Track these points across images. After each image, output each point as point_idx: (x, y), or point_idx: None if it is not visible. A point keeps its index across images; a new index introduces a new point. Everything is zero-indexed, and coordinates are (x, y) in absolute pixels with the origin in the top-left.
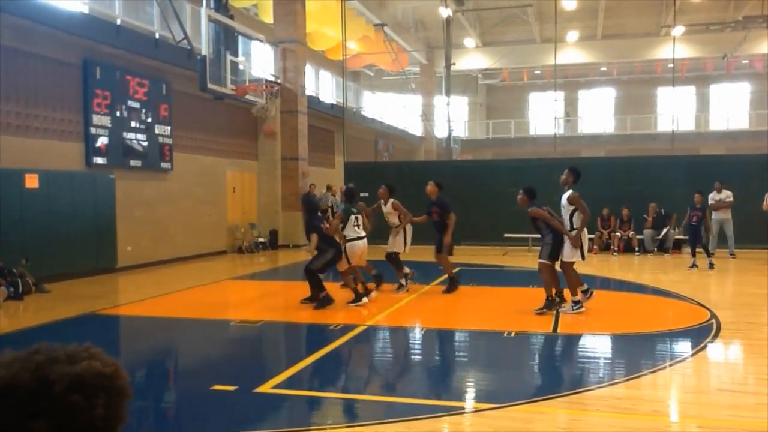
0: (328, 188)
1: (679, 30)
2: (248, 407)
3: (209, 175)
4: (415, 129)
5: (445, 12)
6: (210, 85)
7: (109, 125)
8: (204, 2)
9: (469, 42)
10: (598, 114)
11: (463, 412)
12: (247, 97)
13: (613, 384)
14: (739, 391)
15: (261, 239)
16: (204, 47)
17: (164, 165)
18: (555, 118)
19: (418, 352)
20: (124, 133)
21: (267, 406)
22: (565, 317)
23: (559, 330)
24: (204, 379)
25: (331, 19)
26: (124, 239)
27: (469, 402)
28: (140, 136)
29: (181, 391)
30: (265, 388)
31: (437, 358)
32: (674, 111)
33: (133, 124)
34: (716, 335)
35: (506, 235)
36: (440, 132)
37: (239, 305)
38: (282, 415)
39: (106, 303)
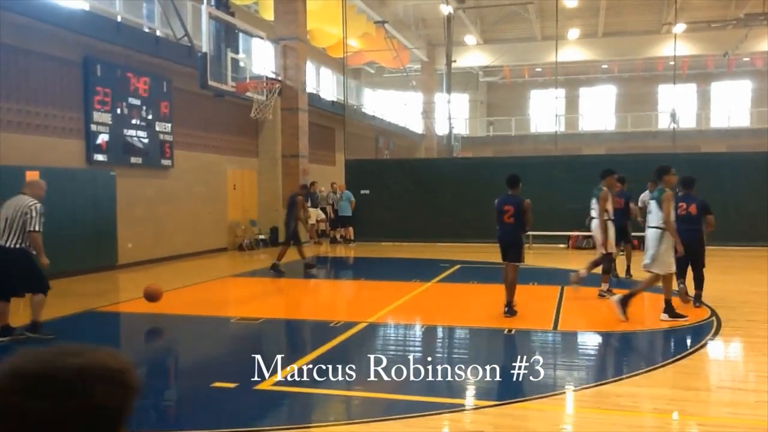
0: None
1: (680, 27)
2: (249, 404)
3: (210, 173)
4: (416, 126)
5: (446, 9)
6: (210, 83)
7: (110, 122)
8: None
9: (470, 39)
10: (600, 111)
11: (463, 409)
12: (248, 94)
13: (613, 381)
14: (739, 389)
15: (261, 236)
16: (204, 44)
17: (165, 162)
18: (556, 115)
19: (419, 349)
20: (125, 131)
21: (267, 403)
22: (569, 315)
23: (559, 327)
24: (204, 377)
25: (332, 16)
26: (125, 236)
27: (469, 399)
28: (141, 134)
29: (182, 388)
30: (266, 385)
31: (437, 355)
32: (675, 108)
33: (133, 121)
34: (716, 333)
35: None
36: (441, 129)
37: (240, 302)
38: (282, 412)
39: (107, 300)
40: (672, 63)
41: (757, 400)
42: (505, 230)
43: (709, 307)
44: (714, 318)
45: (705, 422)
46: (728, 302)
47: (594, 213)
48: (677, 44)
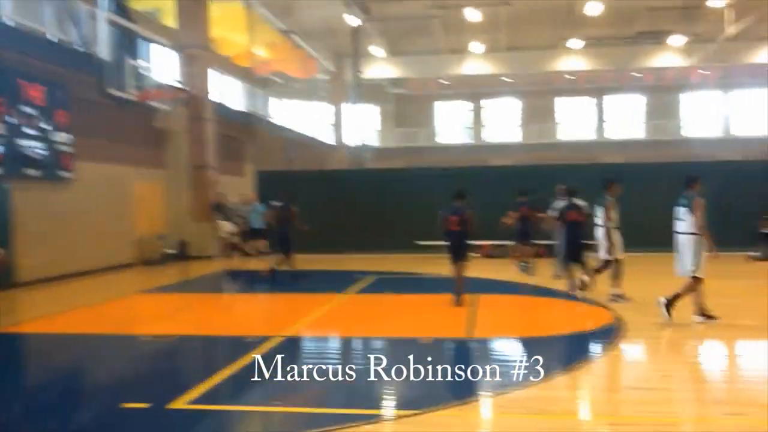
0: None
1: (577, 43)
2: (162, 424)
3: (115, 185)
4: (327, 137)
5: (351, 21)
6: (110, 91)
7: (2, 133)
8: (100, 4)
9: (377, 51)
10: (505, 124)
11: (383, 420)
12: (151, 103)
13: (527, 386)
14: (646, 388)
15: (170, 251)
16: (102, 51)
17: (65, 174)
18: (466, 127)
19: (336, 361)
20: (20, 141)
21: (182, 423)
22: (483, 322)
23: (474, 335)
24: (113, 397)
25: (237, 24)
26: (24, 253)
27: (389, 409)
28: (37, 144)
29: (88, 410)
30: (180, 403)
31: (355, 366)
32: (573, 120)
33: (29, 131)
34: (621, 336)
35: (417, 242)
36: (351, 140)
37: (150, 319)
38: (198, 431)
39: (6, 321)
40: (570, 77)
41: (664, 398)
42: (453, 237)
43: (613, 311)
44: (618, 322)
45: (615, 421)
46: (633, 307)
47: (599, 221)
48: (575, 59)
